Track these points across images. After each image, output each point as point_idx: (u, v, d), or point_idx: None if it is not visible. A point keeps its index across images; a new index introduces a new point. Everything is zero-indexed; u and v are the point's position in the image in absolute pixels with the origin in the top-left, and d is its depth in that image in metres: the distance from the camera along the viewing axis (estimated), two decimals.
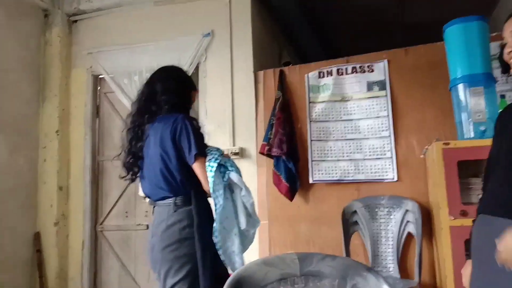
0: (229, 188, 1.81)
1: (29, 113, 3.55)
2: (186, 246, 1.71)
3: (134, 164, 1.93)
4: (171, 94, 1.88)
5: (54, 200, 3.50)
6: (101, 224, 3.59)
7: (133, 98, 3.27)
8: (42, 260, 3.44)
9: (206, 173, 1.73)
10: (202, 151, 1.77)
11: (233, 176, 1.77)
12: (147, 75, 3.27)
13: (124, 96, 3.41)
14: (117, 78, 3.47)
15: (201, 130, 1.87)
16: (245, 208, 1.80)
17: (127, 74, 3.43)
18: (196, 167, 1.74)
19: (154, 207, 1.87)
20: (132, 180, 2.00)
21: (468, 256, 1.48)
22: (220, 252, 1.73)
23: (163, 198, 1.80)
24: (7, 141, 3.30)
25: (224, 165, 1.79)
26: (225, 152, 1.94)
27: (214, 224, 1.72)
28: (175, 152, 1.76)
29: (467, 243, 1.49)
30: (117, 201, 3.56)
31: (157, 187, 1.81)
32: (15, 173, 3.36)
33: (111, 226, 3.56)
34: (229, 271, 1.76)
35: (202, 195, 1.81)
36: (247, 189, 1.79)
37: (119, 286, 3.48)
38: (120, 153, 1.98)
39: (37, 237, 3.47)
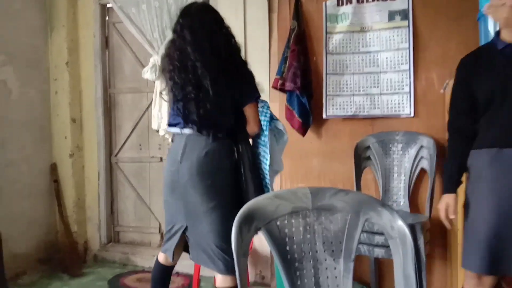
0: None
1: (37, 44, 3.47)
2: (223, 177, 1.82)
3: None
4: (227, 51, 1.88)
5: (68, 132, 3.53)
6: (115, 156, 3.64)
7: (142, 28, 3.21)
8: (60, 190, 3.55)
9: (258, 116, 1.88)
10: (258, 97, 1.90)
11: (279, 124, 1.97)
12: (155, 4, 3.18)
13: (133, 26, 3.28)
14: (125, 7, 3.31)
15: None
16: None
17: (135, 3, 3.27)
18: (249, 108, 1.86)
19: (175, 134, 1.94)
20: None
21: (449, 190, 1.74)
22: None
23: (201, 129, 1.82)
24: (18, 73, 3.27)
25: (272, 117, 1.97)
26: None
27: (264, 164, 1.90)
28: (228, 93, 1.82)
29: (448, 175, 1.76)
30: (130, 134, 3.59)
31: (201, 120, 1.82)
32: (27, 105, 3.36)
33: (125, 158, 3.62)
34: None
35: (244, 132, 1.92)
36: (286, 136, 2.02)
37: (135, 214, 3.61)
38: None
39: (53, 168, 3.55)
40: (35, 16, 3.44)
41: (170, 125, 1.97)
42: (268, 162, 1.89)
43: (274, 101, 2.95)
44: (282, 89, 2.78)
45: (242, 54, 2.94)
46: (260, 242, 2.97)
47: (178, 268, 3.13)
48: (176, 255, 1.99)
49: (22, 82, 3.31)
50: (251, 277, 3.01)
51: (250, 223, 1.03)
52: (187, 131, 1.87)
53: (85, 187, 3.65)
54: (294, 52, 2.73)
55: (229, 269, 1.82)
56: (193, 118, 1.83)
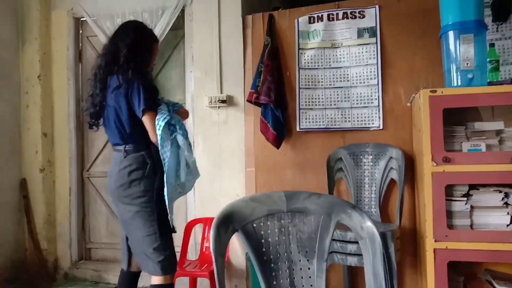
0: (176, 143, 2.04)
1: (8, 56, 3.43)
2: (134, 186, 1.98)
3: (97, 114, 2.11)
4: (129, 52, 2.03)
5: (39, 146, 3.47)
6: (87, 170, 3.59)
7: None
8: (30, 206, 3.47)
9: (154, 126, 1.95)
10: (150, 106, 1.96)
11: (179, 138, 2.00)
12: (130, 18, 3.21)
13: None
14: (100, 21, 3.34)
15: (154, 86, 2.07)
16: (187, 164, 2.07)
17: (110, 17, 3.30)
18: (144, 120, 1.97)
19: (113, 151, 2.12)
20: (94, 127, 2.18)
21: None
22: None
23: (116, 145, 2.06)
24: None
25: (174, 125, 2.01)
26: (185, 108, 2.23)
27: (165, 175, 1.98)
28: (127, 106, 1.97)
29: None
30: (103, 148, 3.55)
31: (112, 135, 2.07)
32: None
33: (97, 172, 3.57)
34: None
35: (153, 144, 2.03)
36: (189, 150, 2.05)
37: (107, 230, 3.55)
38: (86, 99, 2.18)
39: (23, 183, 3.47)
40: (6, 28, 3.41)
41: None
42: (166, 171, 1.97)
43: (249, 114, 3.01)
44: (256, 103, 2.84)
45: (217, 67, 3.07)
46: (236, 255, 2.97)
47: None
48: (131, 264, 2.16)
49: None
50: None
51: (228, 225, 1.05)
52: (113, 147, 2.10)
53: (55, 203, 3.57)
54: (268, 67, 2.81)
55: (157, 271, 1.97)
56: (109, 134, 2.10)
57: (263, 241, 1.11)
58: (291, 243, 1.14)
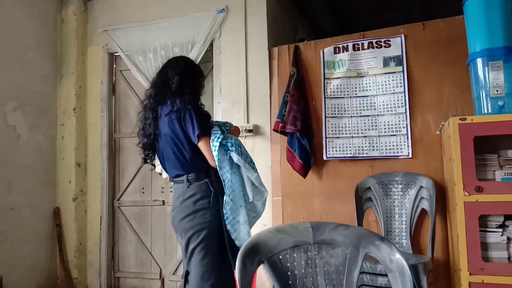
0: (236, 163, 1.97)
1: (47, 90, 3.61)
2: (200, 216, 1.92)
3: (151, 144, 2.10)
4: (180, 79, 2.04)
5: (72, 176, 3.59)
6: (118, 199, 3.67)
7: (148, 76, 3.37)
8: (62, 234, 3.55)
9: (210, 150, 1.91)
10: (205, 131, 1.93)
11: (233, 155, 1.93)
12: (161, 52, 3.36)
13: (140, 73, 3.43)
14: (132, 56, 3.49)
15: (205, 111, 2.07)
16: (250, 181, 1.97)
17: (142, 52, 3.45)
18: (200, 146, 1.92)
19: (174, 183, 2.08)
20: (149, 160, 2.17)
21: None
22: (227, 222, 1.91)
23: (178, 176, 2.01)
24: (27, 119, 3.38)
25: (226, 144, 1.95)
26: (235, 125, 2.18)
27: (225, 197, 1.91)
28: (183, 133, 1.95)
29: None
30: (133, 178, 3.63)
31: (171, 166, 2.02)
32: (34, 150, 3.44)
33: (128, 201, 3.64)
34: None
35: (214, 170, 1.96)
36: (247, 165, 1.94)
37: (136, 259, 3.58)
38: (138, 133, 2.16)
39: (56, 212, 3.57)
40: (46, 64, 3.61)
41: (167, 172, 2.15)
42: (229, 194, 1.90)
43: (275, 144, 3.03)
44: (283, 132, 2.86)
45: (244, 97, 3.13)
46: (263, 287, 2.93)
47: None
48: None
49: (31, 127, 3.41)
50: None
51: (254, 256, 1.05)
52: (173, 180, 2.07)
53: (87, 232, 3.64)
54: (294, 97, 2.84)
55: None
56: (165, 166, 2.08)
57: (289, 273, 1.10)
58: (318, 275, 1.12)
